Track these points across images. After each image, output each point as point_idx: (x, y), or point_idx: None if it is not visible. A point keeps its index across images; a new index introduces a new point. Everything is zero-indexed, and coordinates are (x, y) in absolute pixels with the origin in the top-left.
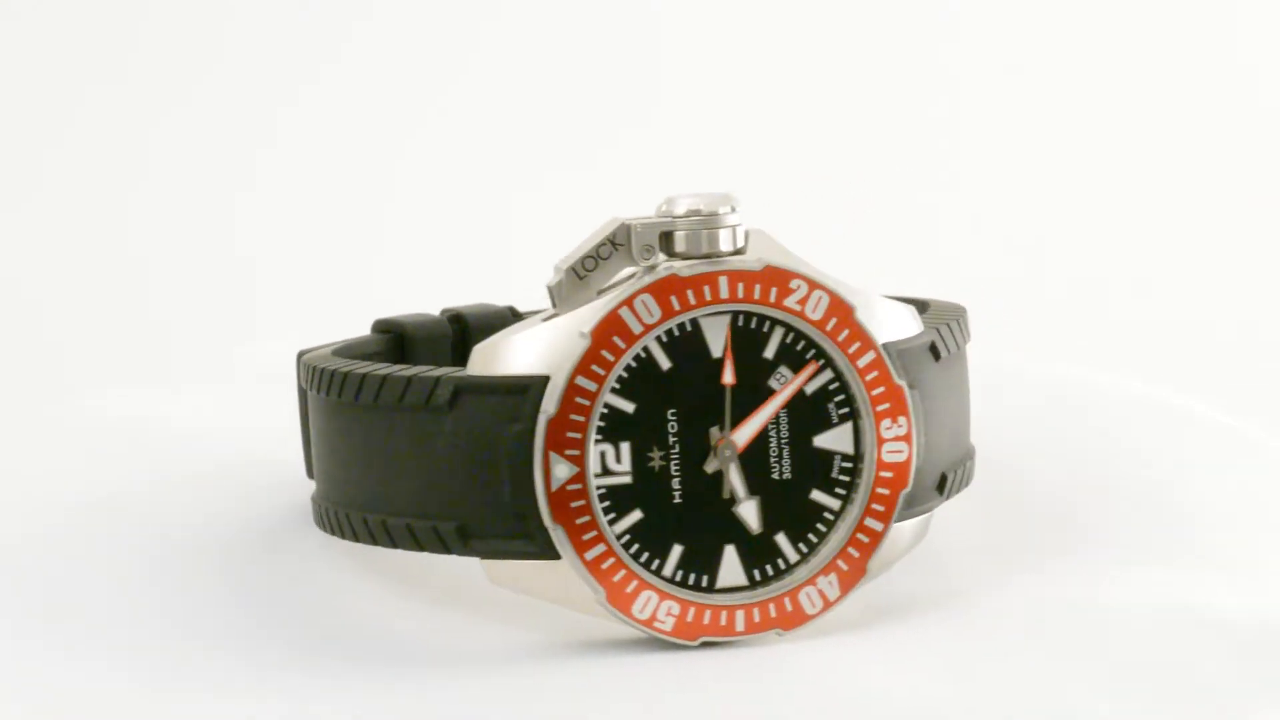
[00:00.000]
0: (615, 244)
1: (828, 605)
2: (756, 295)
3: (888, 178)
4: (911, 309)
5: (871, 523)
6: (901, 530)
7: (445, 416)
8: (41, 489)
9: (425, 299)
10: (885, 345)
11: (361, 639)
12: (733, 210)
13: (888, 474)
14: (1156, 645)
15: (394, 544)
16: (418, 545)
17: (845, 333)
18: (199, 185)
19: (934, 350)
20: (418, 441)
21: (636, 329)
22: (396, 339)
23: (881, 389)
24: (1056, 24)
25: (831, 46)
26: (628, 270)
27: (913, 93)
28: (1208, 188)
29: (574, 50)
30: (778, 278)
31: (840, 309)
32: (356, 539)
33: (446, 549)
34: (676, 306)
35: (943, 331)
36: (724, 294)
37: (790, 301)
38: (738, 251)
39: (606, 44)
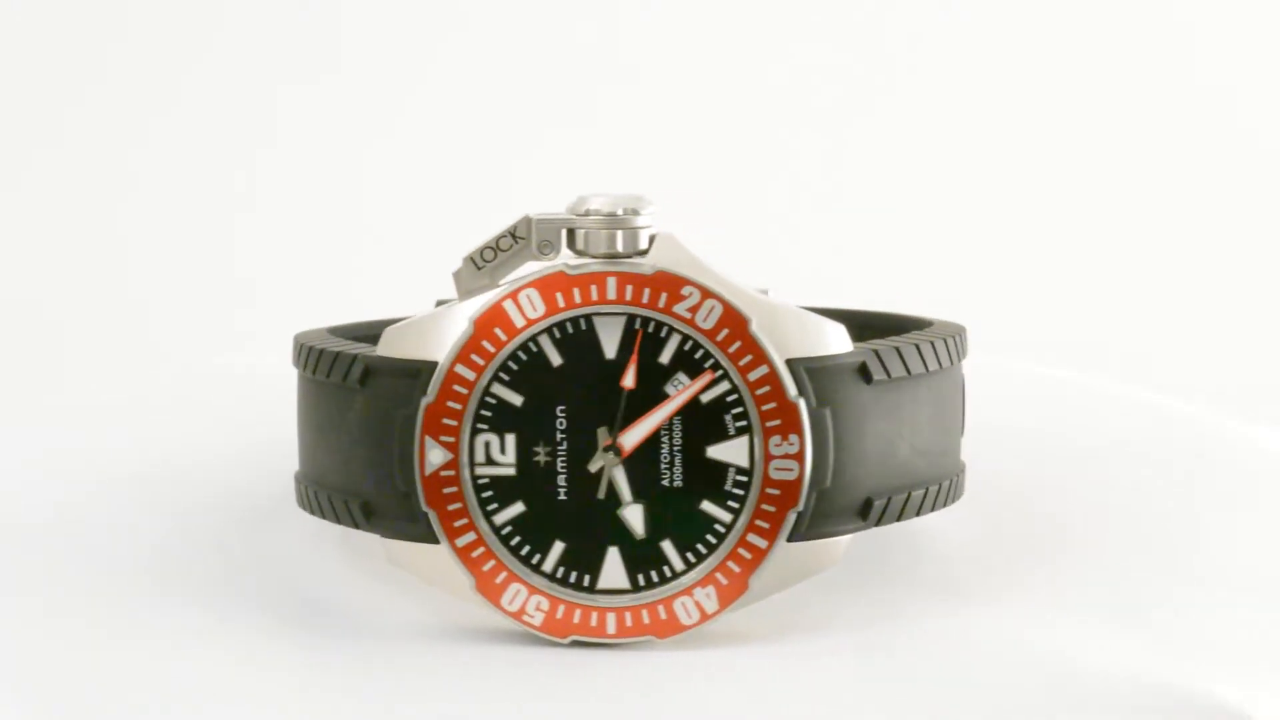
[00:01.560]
0: (516, 237)
1: (705, 618)
2: (645, 299)
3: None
4: (842, 328)
5: (754, 539)
6: (801, 550)
7: (357, 394)
8: (69, 464)
9: None
10: (793, 361)
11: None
12: (638, 213)
13: (774, 491)
14: (1011, 707)
15: (323, 515)
16: (336, 518)
17: (737, 344)
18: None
19: (864, 371)
20: (338, 416)
21: (519, 322)
22: None
23: (772, 404)
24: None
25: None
26: (535, 265)
27: (915, 98)
28: (1200, 188)
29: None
30: (669, 283)
31: (733, 320)
32: (303, 508)
33: (355, 524)
34: (561, 303)
35: (884, 354)
36: (611, 295)
37: (680, 308)
38: (639, 253)
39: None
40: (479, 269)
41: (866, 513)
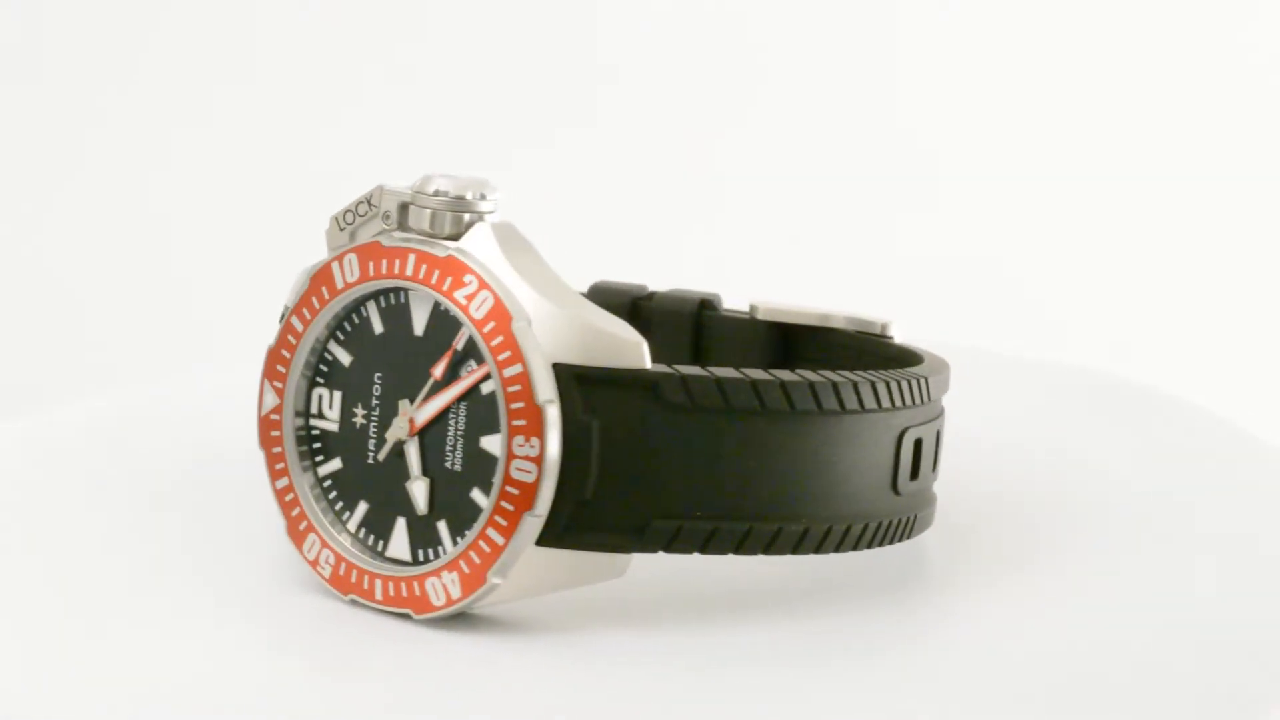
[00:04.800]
0: (371, 204)
1: (450, 603)
2: (434, 280)
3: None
4: (642, 345)
5: (493, 534)
6: (561, 557)
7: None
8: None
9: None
10: (562, 366)
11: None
12: (460, 198)
13: (513, 490)
14: None
15: None
16: None
17: (500, 339)
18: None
19: (657, 392)
20: None
21: (339, 284)
22: None
23: (521, 404)
24: None
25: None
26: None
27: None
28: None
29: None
30: (454, 269)
31: (500, 315)
32: None
33: None
34: (372, 272)
35: (693, 381)
36: (409, 271)
37: (460, 295)
38: (451, 236)
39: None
40: (341, 229)
41: (643, 534)
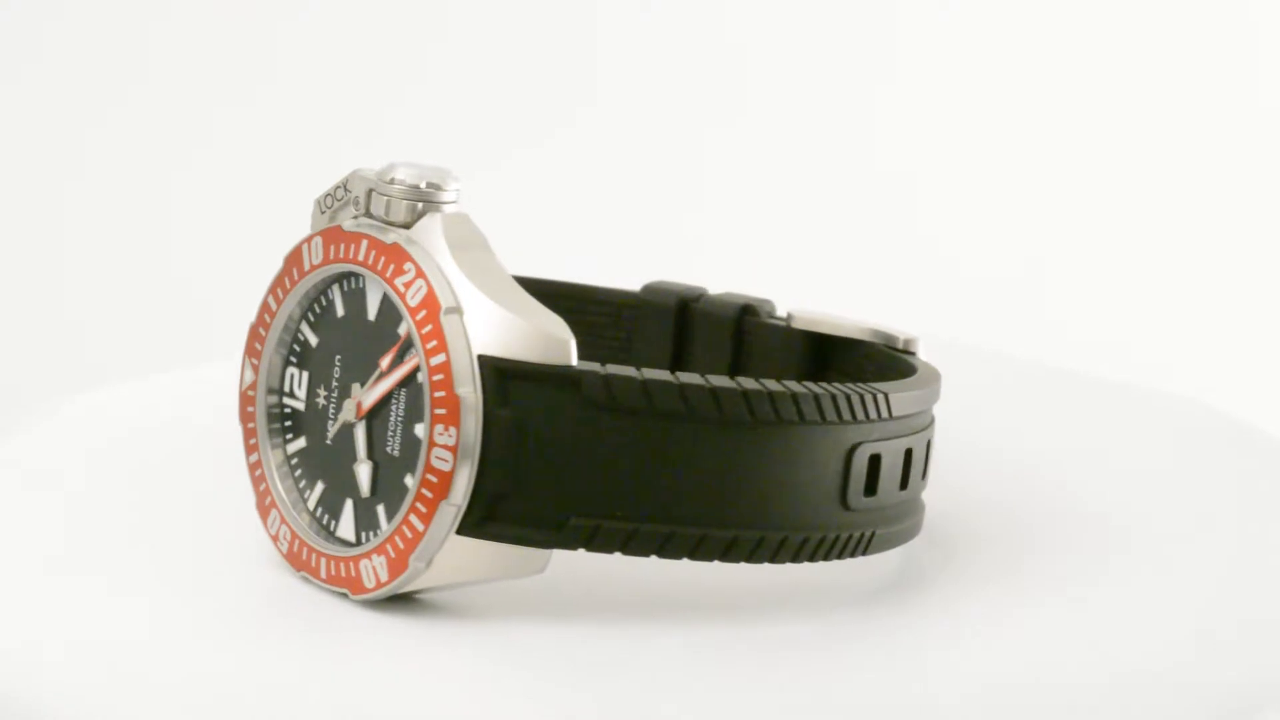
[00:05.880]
0: (346, 188)
1: (379, 585)
2: (379, 266)
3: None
4: (569, 342)
5: (414, 520)
6: (484, 549)
7: None
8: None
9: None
10: (486, 358)
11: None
12: (417, 187)
13: (433, 478)
14: None
15: None
16: None
17: (429, 327)
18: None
19: (578, 389)
20: None
21: (306, 265)
22: None
23: (442, 393)
24: None
25: None
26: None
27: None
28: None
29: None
30: (396, 256)
31: (431, 304)
32: None
33: None
34: (333, 255)
35: (616, 381)
36: (361, 256)
37: (399, 282)
38: (406, 224)
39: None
40: (322, 213)
41: (561, 530)
